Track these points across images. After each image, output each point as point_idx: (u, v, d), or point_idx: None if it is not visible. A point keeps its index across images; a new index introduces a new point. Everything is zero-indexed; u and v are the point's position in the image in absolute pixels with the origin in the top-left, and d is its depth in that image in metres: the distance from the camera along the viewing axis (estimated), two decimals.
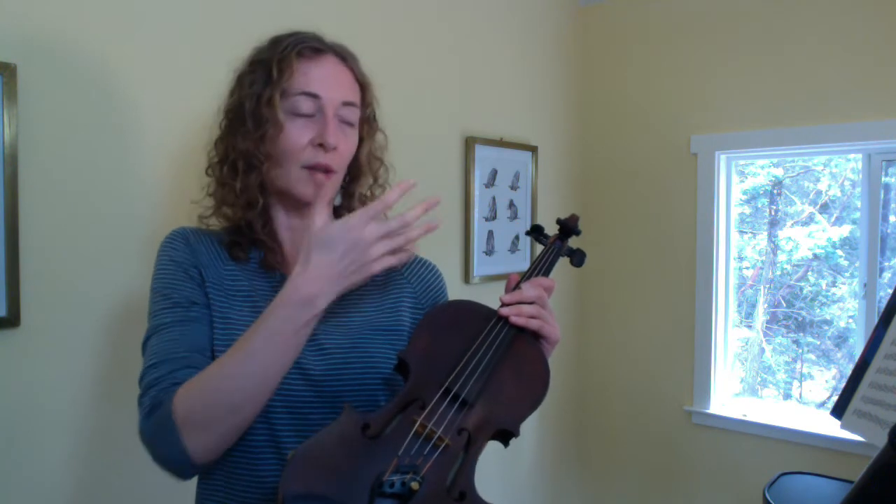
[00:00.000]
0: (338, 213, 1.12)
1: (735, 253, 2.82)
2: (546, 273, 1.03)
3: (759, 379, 2.90)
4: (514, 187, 2.60)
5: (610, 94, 2.98)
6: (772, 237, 2.87)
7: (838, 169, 2.75)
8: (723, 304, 2.77)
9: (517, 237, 2.63)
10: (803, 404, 2.76)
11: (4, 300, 1.28)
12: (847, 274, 2.70)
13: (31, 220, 1.33)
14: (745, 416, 2.66)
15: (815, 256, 2.77)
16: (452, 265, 2.36)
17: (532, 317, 0.93)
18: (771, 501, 1.72)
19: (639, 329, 2.92)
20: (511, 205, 2.60)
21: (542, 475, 2.90)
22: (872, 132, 2.35)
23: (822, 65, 2.44)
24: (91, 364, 1.43)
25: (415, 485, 0.77)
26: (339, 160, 0.99)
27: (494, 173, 2.50)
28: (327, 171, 0.97)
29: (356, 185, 1.08)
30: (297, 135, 0.95)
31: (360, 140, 1.04)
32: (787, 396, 2.83)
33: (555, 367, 0.96)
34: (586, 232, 1.15)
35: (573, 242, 1.12)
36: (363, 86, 1.04)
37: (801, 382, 2.84)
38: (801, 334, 2.83)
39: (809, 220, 2.81)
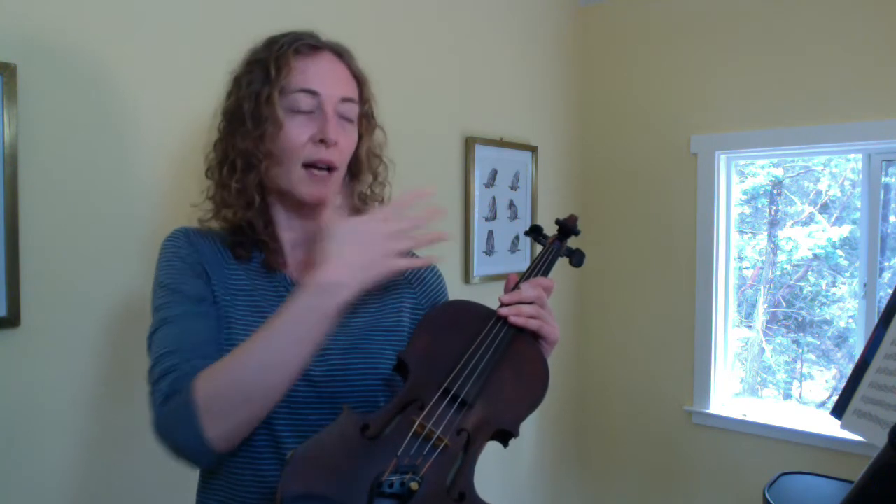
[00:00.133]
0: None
1: (735, 253, 2.82)
2: (545, 273, 1.03)
3: (759, 379, 2.90)
4: (514, 187, 2.60)
5: (610, 94, 2.98)
6: (772, 237, 2.87)
7: (838, 169, 2.75)
8: (723, 304, 2.77)
9: (517, 237, 2.63)
10: (803, 404, 2.76)
11: (4, 300, 1.28)
12: (847, 274, 2.70)
13: (31, 220, 1.33)
14: (745, 416, 2.66)
15: (815, 256, 2.77)
16: (452, 265, 2.36)
17: (531, 317, 0.93)
18: (771, 501, 1.72)
19: (639, 329, 2.92)
20: (511, 205, 2.60)
21: (542, 475, 2.90)
22: (872, 132, 2.35)
23: (822, 65, 2.44)
24: (91, 364, 1.43)
25: (414, 485, 0.77)
26: (340, 156, 0.99)
27: (494, 173, 2.50)
28: (329, 167, 0.97)
29: (356, 182, 1.08)
30: (297, 132, 0.96)
31: (359, 137, 1.04)
32: (787, 396, 2.83)
33: (554, 367, 0.96)
34: (586, 232, 1.15)
35: (572, 242, 1.12)
36: (360, 82, 1.04)
37: (801, 382, 2.84)
38: (801, 334, 2.83)
39: (809, 220, 2.81)
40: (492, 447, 0.90)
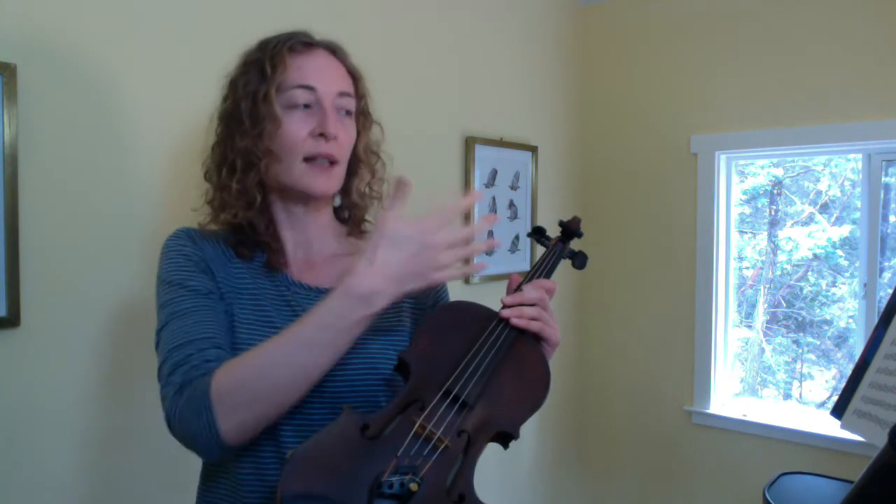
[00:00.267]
0: (338, 213, 1.12)
1: (735, 253, 2.82)
2: (548, 275, 1.03)
3: (759, 379, 2.90)
4: (514, 187, 2.60)
5: (610, 94, 2.97)
6: (772, 237, 2.87)
7: (838, 169, 2.75)
8: (723, 304, 2.77)
9: (517, 237, 2.62)
10: (803, 404, 2.76)
11: (4, 300, 1.28)
12: (847, 274, 2.70)
13: (31, 220, 1.32)
14: (745, 416, 2.66)
15: (815, 256, 2.77)
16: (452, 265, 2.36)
17: (533, 318, 0.93)
18: (771, 501, 1.72)
19: (639, 329, 2.92)
20: (511, 205, 2.60)
21: (542, 475, 2.90)
22: (872, 132, 2.35)
23: (822, 65, 2.44)
24: (91, 364, 1.43)
25: (414, 486, 0.77)
26: (341, 150, 0.99)
27: (494, 173, 2.50)
28: (331, 161, 0.97)
29: (355, 179, 1.07)
30: (296, 128, 0.95)
31: (357, 133, 1.04)
32: (787, 396, 2.83)
33: (555, 368, 0.96)
34: (586, 232, 1.15)
35: (575, 245, 1.12)
36: (355, 78, 1.04)
37: (801, 382, 2.84)
38: (801, 334, 2.83)
39: (809, 220, 2.81)
40: (492, 448, 0.90)
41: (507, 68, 2.60)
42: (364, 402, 0.93)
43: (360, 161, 1.06)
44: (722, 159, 2.72)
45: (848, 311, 2.68)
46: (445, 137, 2.32)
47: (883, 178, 2.43)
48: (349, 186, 1.07)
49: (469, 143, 2.37)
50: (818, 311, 2.78)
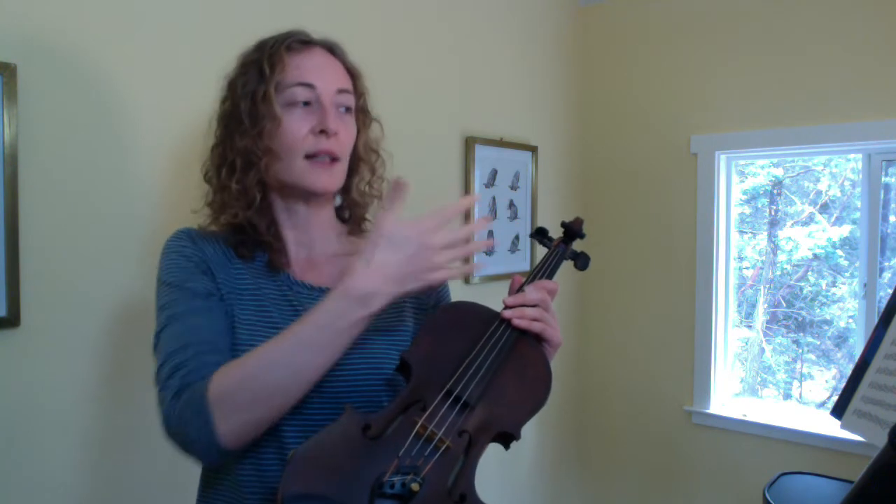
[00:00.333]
0: (338, 212, 1.11)
1: (735, 253, 2.82)
2: (549, 276, 1.03)
3: (759, 379, 2.90)
4: (514, 187, 2.60)
5: (610, 94, 2.97)
6: (772, 237, 2.87)
7: (838, 169, 2.75)
8: (723, 304, 2.77)
9: (517, 237, 2.62)
10: (803, 404, 2.76)
11: (4, 300, 1.28)
12: (847, 274, 2.70)
13: (31, 220, 1.32)
14: (745, 416, 2.66)
15: (815, 256, 2.77)
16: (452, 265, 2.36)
17: (535, 319, 0.93)
18: (771, 501, 1.72)
19: (639, 329, 2.92)
20: (511, 205, 2.60)
21: (542, 475, 2.90)
22: (872, 132, 2.35)
23: (822, 65, 2.44)
24: (91, 364, 1.43)
25: (415, 486, 0.77)
26: (341, 147, 0.99)
27: (494, 173, 2.50)
28: (332, 157, 0.97)
29: (355, 177, 1.07)
30: (296, 125, 0.95)
31: (357, 131, 1.04)
32: (787, 396, 2.83)
33: (555, 367, 0.96)
34: (586, 232, 1.15)
35: (577, 245, 1.11)
36: (354, 75, 1.04)
37: (801, 382, 2.84)
38: (801, 334, 2.83)
39: (809, 220, 2.81)
40: (492, 448, 0.90)
41: (507, 68, 2.60)
42: (366, 402, 0.93)
43: (360, 159, 1.06)
44: (722, 159, 2.72)
45: (848, 311, 2.68)
46: (445, 137, 2.32)
47: (883, 178, 2.44)
48: (349, 185, 1.07)
49: (469, 143, 2.37)
50: (818, 311, 2.78)
